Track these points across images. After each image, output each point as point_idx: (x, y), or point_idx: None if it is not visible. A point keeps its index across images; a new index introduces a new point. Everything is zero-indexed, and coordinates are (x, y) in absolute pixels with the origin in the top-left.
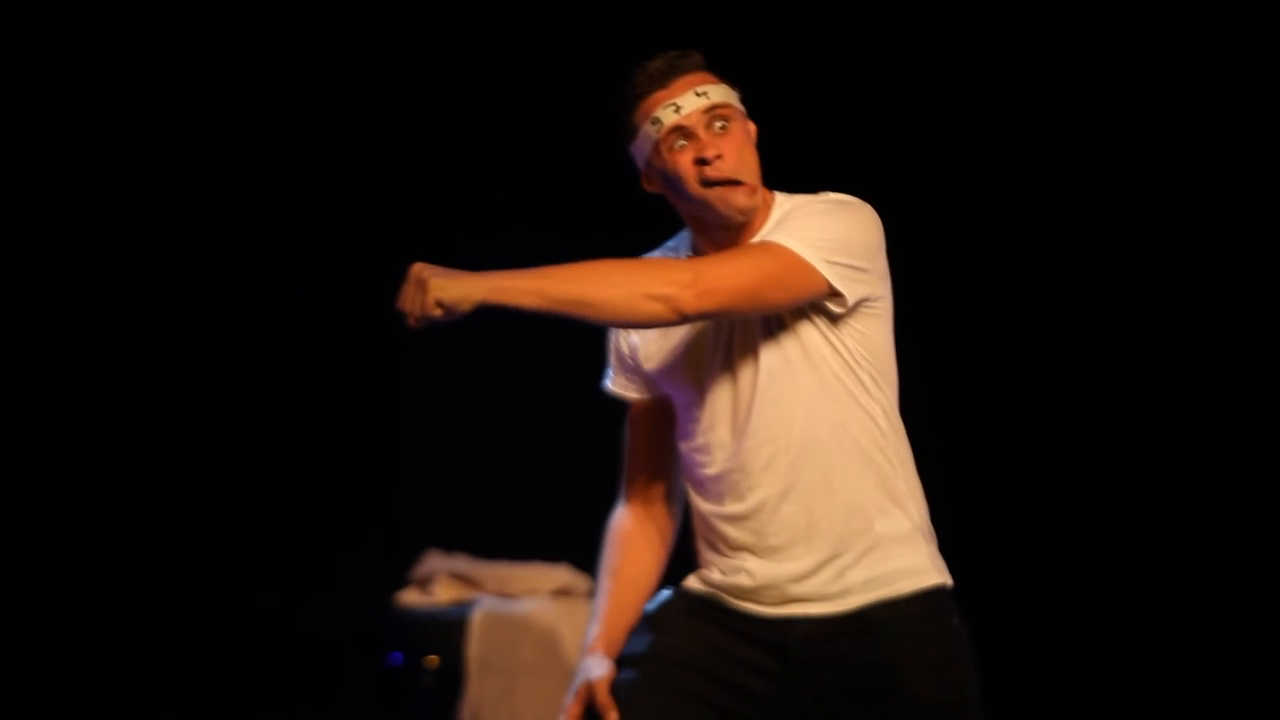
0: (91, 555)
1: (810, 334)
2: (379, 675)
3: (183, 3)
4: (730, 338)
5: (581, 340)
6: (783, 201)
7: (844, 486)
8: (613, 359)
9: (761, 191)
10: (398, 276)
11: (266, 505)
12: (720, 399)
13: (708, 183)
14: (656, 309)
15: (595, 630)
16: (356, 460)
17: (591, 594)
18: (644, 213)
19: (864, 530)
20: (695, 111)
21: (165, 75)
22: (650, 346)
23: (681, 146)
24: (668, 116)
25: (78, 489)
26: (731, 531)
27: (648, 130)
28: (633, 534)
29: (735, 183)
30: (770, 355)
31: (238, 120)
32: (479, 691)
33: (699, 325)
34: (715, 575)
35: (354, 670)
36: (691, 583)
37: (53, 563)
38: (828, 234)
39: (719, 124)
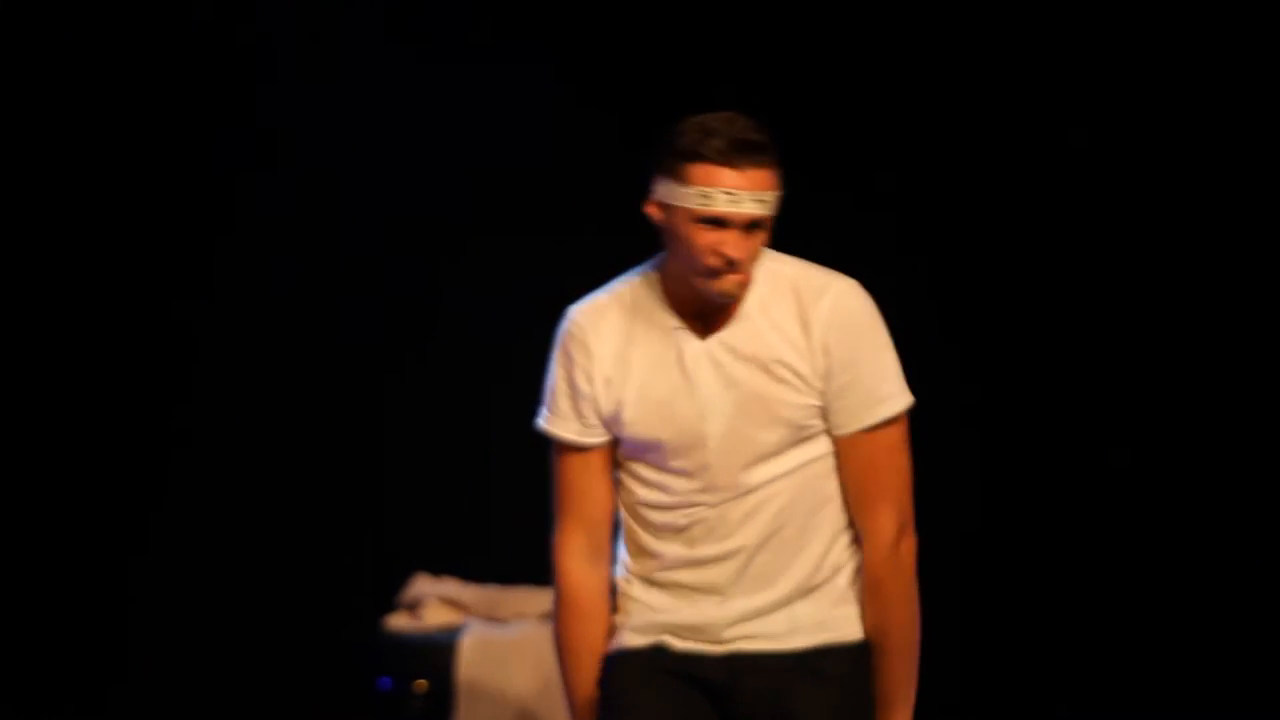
0: (77, 578)
1: (804, 414)
2: (368, 700)
3: None
4: (731, 404)
5: None
6: (767, 264)
7: (813, 538)
8: (565, 404)
9: None
10: (384, 290)
11: (254, 529)
12: (709, 455)
13: (712, 273)
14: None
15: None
16: (344, 484)
17: None
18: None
19: (824, 580)
20: (745, 216)
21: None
22: (640, 407)
23: (710, 227)
24: (720, 202)
25: (73, 511)
26: (692, 576)
27: (688, 191)
28: (598, 597)
29: (738, 274)
30: (761, 424)
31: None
32: (468, 716)
33: (698, 388)
34: (659, 618)
35: (343, 695)
36: (630, 639)
37: (43, 581)
38: (896, 363)
39: (757, 228)
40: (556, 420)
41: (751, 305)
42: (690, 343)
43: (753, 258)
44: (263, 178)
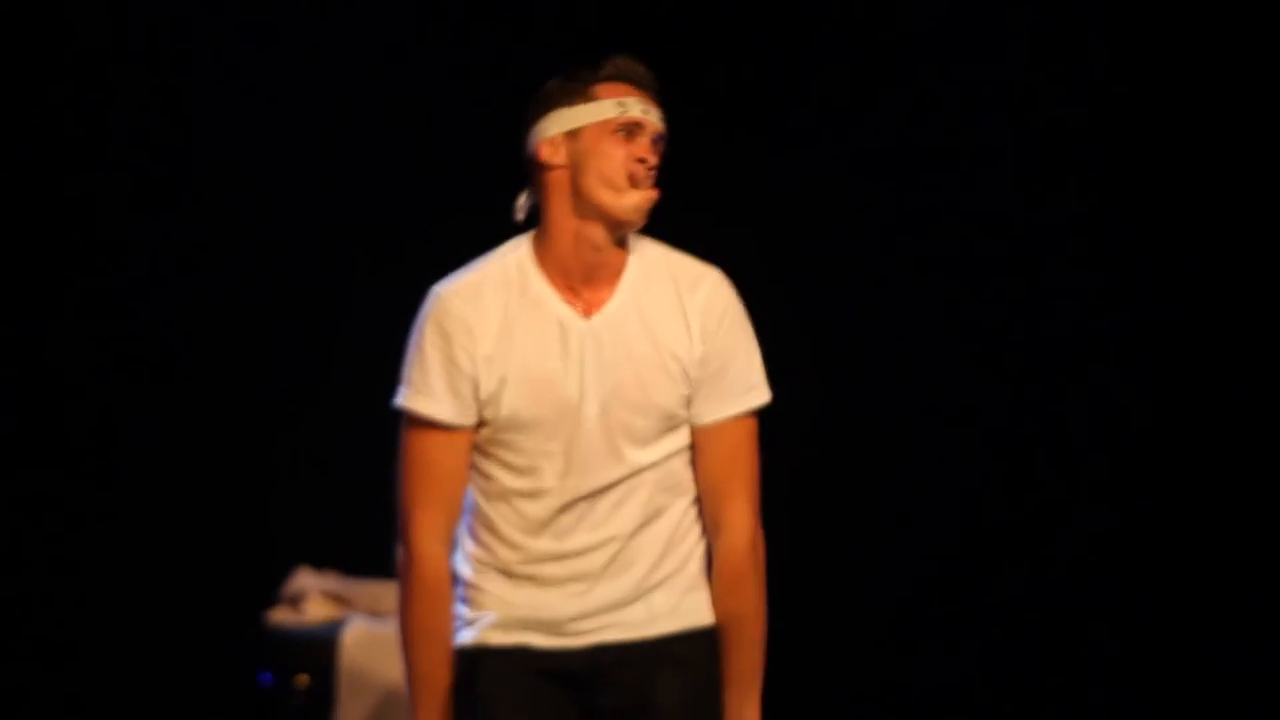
0: None
1: (676, 402)
2: (250, 695)
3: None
4: (609, 387)
5: None
6: (637, 244)
7: (668, 528)
8: (440, 384)
9: None
10: (268, 281)
11: (134, 523)
12: (583, 436)
13: (634, 180)
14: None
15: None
16: (225, 477)
17: None
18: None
19: (675, 568)
20: (656, 126)
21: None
22: (520, 387)
23: (624, 137)
24: (635, 109)
25: None
26: (559, 569)
27: (602, 104)
28: (449, 582)
29: (651, 189)
30: (637, 409)
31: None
32: (350, 711)
33: (580, 368)
34: (519, 613)
35: (224, 690)
36: (491, 637)
37: None
38: (760, 356)
39: (658, 151)
40: (426, 400)
41: (631, 284)
42: (574, 322)
43: (655, 177)
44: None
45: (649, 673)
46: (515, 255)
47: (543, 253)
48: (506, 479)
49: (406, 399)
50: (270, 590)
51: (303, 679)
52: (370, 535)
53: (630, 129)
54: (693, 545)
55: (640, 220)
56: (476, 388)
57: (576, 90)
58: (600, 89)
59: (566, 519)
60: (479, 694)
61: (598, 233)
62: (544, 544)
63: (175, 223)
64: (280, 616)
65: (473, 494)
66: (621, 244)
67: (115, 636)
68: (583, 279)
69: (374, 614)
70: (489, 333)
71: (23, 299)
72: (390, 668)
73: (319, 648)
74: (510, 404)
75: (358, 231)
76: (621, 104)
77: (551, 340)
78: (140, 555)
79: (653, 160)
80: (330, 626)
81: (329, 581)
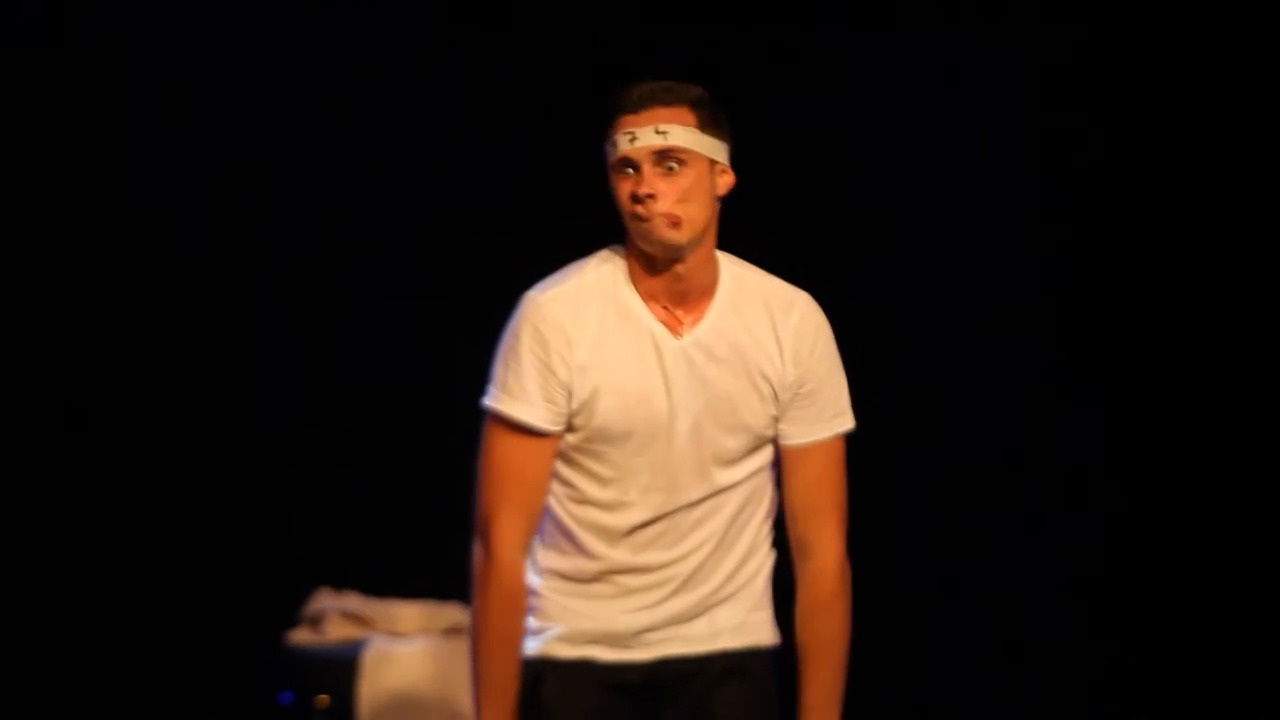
0: None
1: (765, 424)
2: (270, 715)
3: None
4: (701, 404)
5: (472, 381)
6: (730, 267)
7: (748, 544)
8: (534, 389)
9: (706, 240)
10: (295, 301)
11: (155, 543)
12: (674, 454)
13: (636, 218)
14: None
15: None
16: (247, 497)
17: None
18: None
19: (742, 584)
20: (646, 149)
21: None
22: (613, 398)
23: (627, 174)
24: (622, 144)
25: None
26: (634, 580)
27: (610, 145)
28: (523, 591)
29: (665, 218)
30: (728, 429)
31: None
32: None
33: (673, 385)
34: (587, 625)
35: (245, 710)
36: (559, 650)
37: None
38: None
39: (669, 164)
40: (519, 405)
41: (723, 305)
42: (666, 339)
43: (683, 204)
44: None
45: (710, 687)
46: (610, 266)
47: (635, 270)
48: (590, 489)
49: (499, 402)
50: (291, 611)
51: (323, 699)
52: (390, 556)
53: (626, 164)
54: (761, 561)
55: (668, 248)
56: (570, 395)
57: (606, 129)
58: (613, 126)
59: (647, 533)
60: (544, 708)
61: (659, 262)
62: (621, 555)
63: (200, 236)
64: (301, 637)
65: (550, 501)
66: (711, 265)
67: (137, 656)
68: (672, 299)
69: (394, 634)
70: (585, 341)
71: (46, 313)
72: (410, 688)
73: (339, 668)
74: (602, 415)
75: (384, 251)
76: (614, 143)
77: (646, 355)
78: (162, 575)
79: (648, 189)
80: (350, 647)
81: (349, 602)
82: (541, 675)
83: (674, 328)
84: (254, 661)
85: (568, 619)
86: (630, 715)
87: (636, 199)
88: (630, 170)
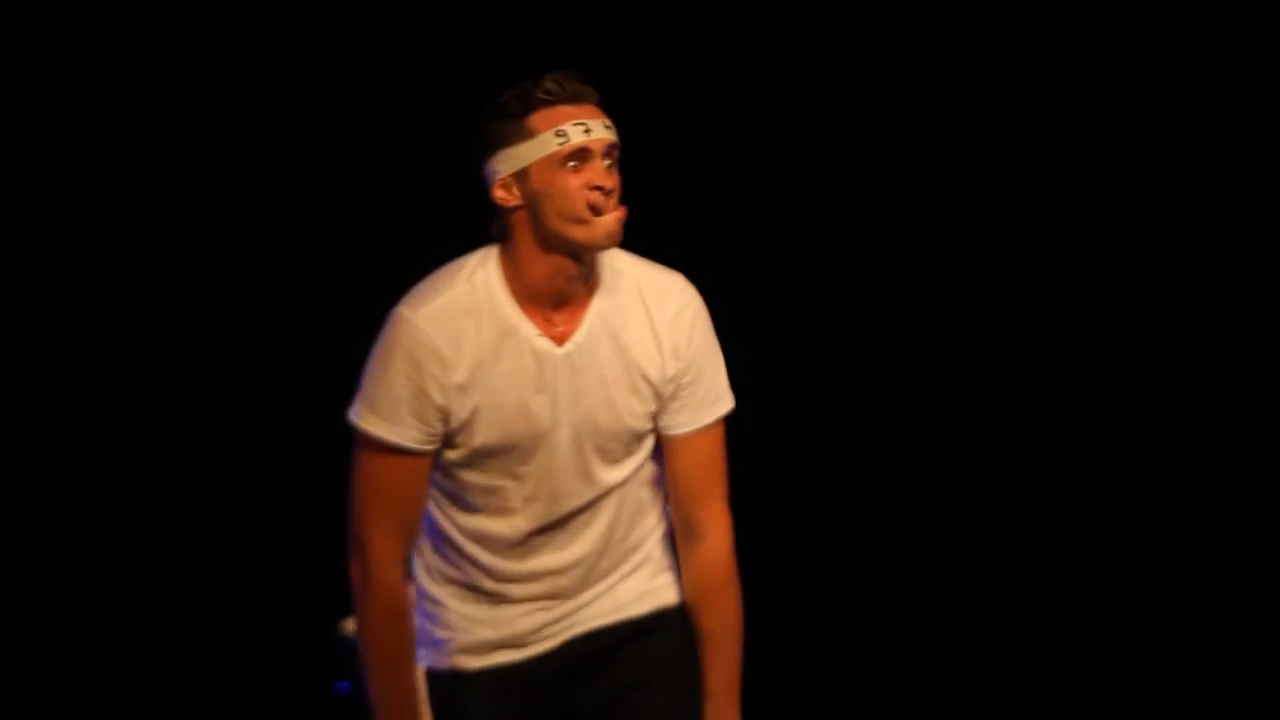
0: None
1: (646, 422)
2: (326, 703)
3: None
4: (583, 412)
5: None
6: (602, 260)
7: (641, 535)
8: (405, 411)
9: None
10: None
11: (210, 532)
12: (556, 463)
13: (592, 210)
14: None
15: None
16: (302, 486)
17: None
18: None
19: (645, 559)
20: (602, 141)
21: None
22: (493, 415)
23: (574, 167)
24: (576, 134)
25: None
26: (526, 589)
27: (545, 138)
28: (404, 604)
29: (616, 210)
30: (609, 435)
31: None
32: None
33: (555, 397)
34: (487, 633)
35: (300, 698)
36: (463, 661)
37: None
38: (723, 362)
39: (609, 163)
40: (390, 426)
41: (602, 306)
42: (548, 351)
43: (619, 194)
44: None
45: (623, 654)
46: (483, 275)
47: (513, 278)
48: (472, 498)
49: (368, 422)
50: (345, 599)
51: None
52: None
53: (578, 156)
54: (654, 531)
55: (615, 243)
56: (447, 417)
57: (513, 126)
58: (535, 120)
59: (534, 541)
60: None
61: (570, 264)
62: (510, 565)
63: (248, 255)
64: (355, 625)
65: (435, 509)
66: (591, 264)
67: (192, 645)
68: (555, 305)
69: None
70: (462, 362)
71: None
72: None
73: None
74: (483, 433)
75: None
76: (561, 133)
77: (526, 370)
78: (216, 566)
79: (610, 182)
80: None
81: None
82: (454, 689)
83: (554, 336)
84: (309, 650)
85: (469, 628)
86: (553, 706)
87: (600, 190)
88: (576, 163)
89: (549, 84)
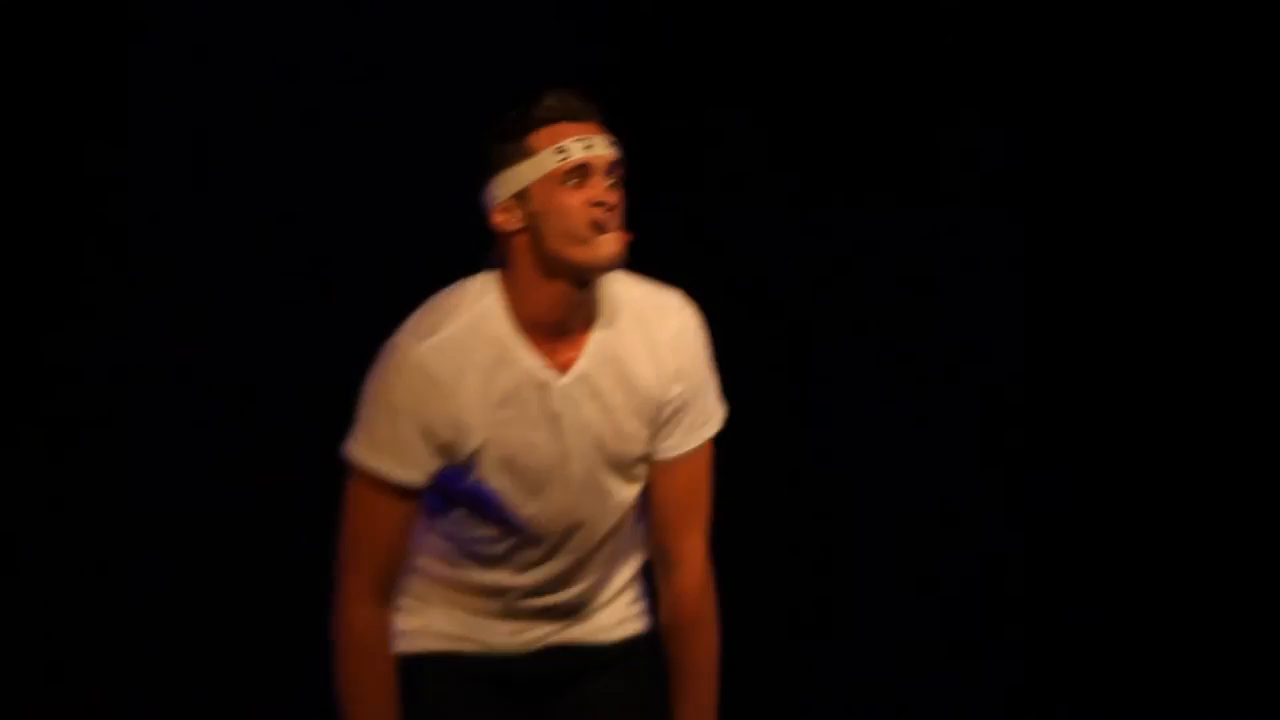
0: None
1: (646, 446)
2: (327, 702)
3: None
4: (591, 444)
5: None
6: (601, 284)
7: (627, 557)
8: (405, 448)
9: None
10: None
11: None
12: (569, 497)
13: (594, 228)
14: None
15: None
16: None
17: None
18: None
19: (626, 584)
20: (604, 158)
21: None
22: (500, 450)
23: (575, 185)
24: (576, 149)
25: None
26: (529, 603)
27: (545, 156)
28: (377, 644)
29: (619, 230)
30: (618, 463)
31: None
32: None
33: (563, 431)
34: (463, 630)
35: (301, 698)
36: (431, 644)
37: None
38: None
39: (612, 181)
40: (388, 462)
41: (604, 334)
42: (553, 382)
43: (623, 213)
44: None
45: (589, 684)
46: (484, 305)
47: (515, 307)
48: (478, 530)
49: (369, 458)
50: None
51: None
52: None
53: (579, 172)
54: (638, 557)
55: (616, 266)
56: (451, 454)
57: (512, 147)
58: (535, 139)
59: (538, 573)
60: (423, 697)
61: (572, 291)
62: (501, 578)
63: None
64: None
65: (429, 520)
66: (592, 291)
67: (191, 647)
68: (557, 334)
69: None
70: (467, 396)
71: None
72: None
73: None
74: (487, 467)
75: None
76: (561, 150)
77: (532, 403)
78: (216, 565)
79: (613, 199)
80: None
81: None
82: (415, 669)
83: (557, 366)
84: (309, 651)
85: (441, 623)
86: (513, 707)
87: (603, 206)
88: (578, 180)
89: (549, 101)
